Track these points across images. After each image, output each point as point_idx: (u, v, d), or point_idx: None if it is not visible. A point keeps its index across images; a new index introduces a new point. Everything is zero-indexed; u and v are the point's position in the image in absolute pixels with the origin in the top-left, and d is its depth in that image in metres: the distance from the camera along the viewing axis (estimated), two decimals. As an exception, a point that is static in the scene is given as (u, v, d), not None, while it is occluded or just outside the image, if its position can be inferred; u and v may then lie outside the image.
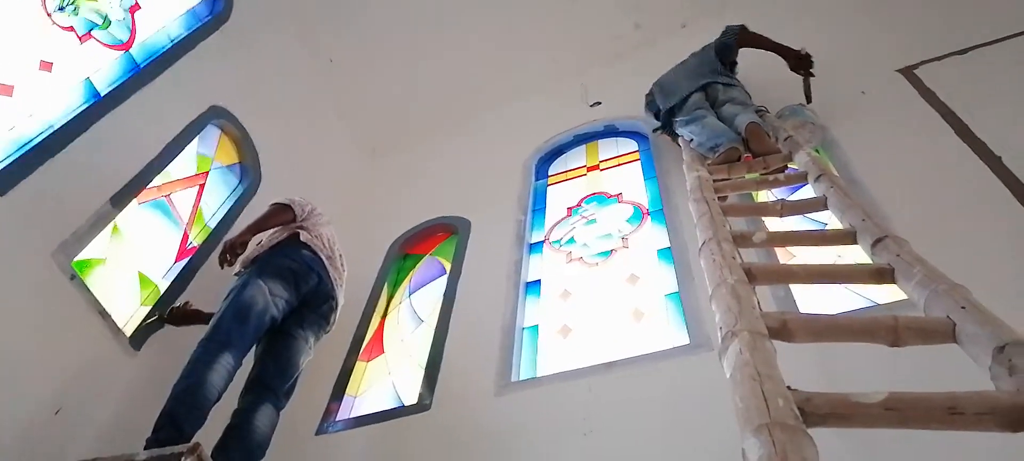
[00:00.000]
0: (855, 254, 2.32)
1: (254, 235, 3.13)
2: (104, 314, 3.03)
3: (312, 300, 3.11)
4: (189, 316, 3.27)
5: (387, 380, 3.70)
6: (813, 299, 2.90)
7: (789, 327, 1.64)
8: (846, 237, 2.21)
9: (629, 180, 4.42)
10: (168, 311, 3.30)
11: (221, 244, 3.11)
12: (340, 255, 3.34)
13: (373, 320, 4.14)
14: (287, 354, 2.97)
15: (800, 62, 3.81)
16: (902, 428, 1.30)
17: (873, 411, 1.28)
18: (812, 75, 3.79)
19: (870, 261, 2.02)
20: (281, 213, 3.26)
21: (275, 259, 3.06)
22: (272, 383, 2.88)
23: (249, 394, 2.83)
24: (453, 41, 5.60)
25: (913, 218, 2.79)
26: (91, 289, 3.02)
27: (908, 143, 3.33)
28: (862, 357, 1.98)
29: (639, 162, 4.53)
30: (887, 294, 2.73)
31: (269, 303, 2.85)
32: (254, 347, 2.94)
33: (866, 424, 1.31)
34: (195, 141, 4.02)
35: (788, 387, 1.37)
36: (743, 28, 4.01)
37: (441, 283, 4.17)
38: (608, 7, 5.41)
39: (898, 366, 1.86)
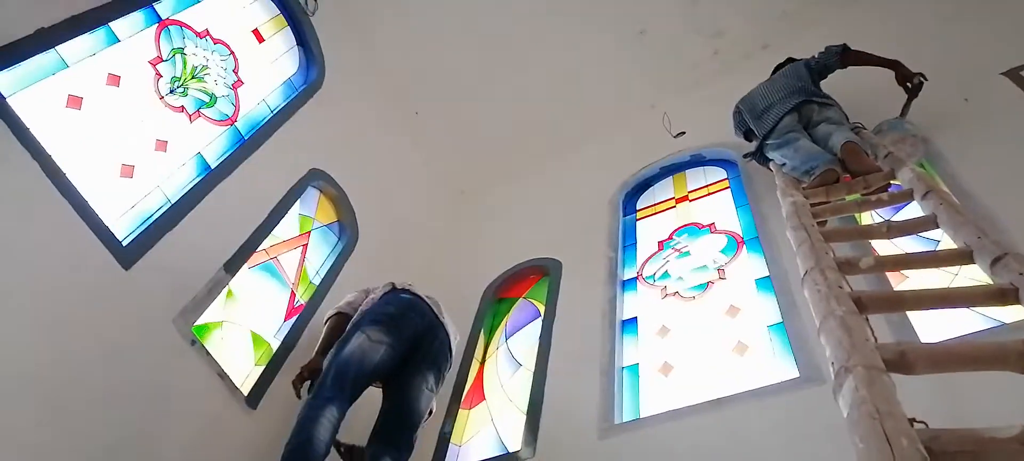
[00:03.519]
0: (972, 272, 2.20)
1: (326, 355, 3.15)
2: (223, 375, 3.20)
3: (421, 342, 3.18)
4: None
5: (490, 427, 3.72)
6: (933, 321, 2.74)
7: (908, 359, 1.55)
8: (962, 257, 2.07)
9: (721, 209, 4.32)
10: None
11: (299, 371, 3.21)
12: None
13: (472, 367, 4.18)
14: (406, 403, 3.05)
15: (909, 77, 3.56)
16: (1042, 464, 1.21)
17: (1009, 447, 1.20)
18: (916, 96, 3.57)
19: (990, 281, 1.91)
20: (338, 323, 3.36)
21: (373, 309, 3.19)
22: (392, 436, 2.97)
23: (371, 446, 2.94)
24: (532, 82, 5.69)
25: (1035, 231, 2.61)
26: (211, 352, 3.20)
27: (1021, 150, 3.13)
28: (989, 385, 1.86)
29: (729, 190, 4.43)
30: (1014, 313, 2.55)
31: (369, 349, 2.96)
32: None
33: (1001, 462, 1.23)
34: (297, 203, 4.22)
35: (911, 420, 1.30)
36: (846, 47, 3.79)
37: (536, 326, 4.17)
38: (684, 37, 5.38)
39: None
